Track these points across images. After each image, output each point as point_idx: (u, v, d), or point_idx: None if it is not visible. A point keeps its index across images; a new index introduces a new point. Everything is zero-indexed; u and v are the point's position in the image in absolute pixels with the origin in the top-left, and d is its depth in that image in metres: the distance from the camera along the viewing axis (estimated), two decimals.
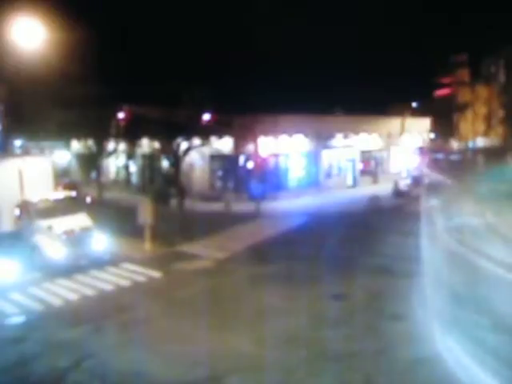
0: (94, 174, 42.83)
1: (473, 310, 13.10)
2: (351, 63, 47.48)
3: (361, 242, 23.17)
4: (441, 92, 69.14)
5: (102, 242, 20.76)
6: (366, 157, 46.36)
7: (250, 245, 23.64)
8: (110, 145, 41.28)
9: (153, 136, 38.36)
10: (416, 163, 51.66)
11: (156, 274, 19.32)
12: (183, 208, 33.91)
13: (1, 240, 20.15)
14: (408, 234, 23.87)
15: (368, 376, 11.14)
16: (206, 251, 22.37)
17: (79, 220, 20.92)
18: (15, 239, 20.17)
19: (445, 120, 62.49)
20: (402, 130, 48.68)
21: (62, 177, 37.32)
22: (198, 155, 38.03)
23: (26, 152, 33.81)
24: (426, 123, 55.18)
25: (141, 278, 18.82)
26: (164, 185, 38.28)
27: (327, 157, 41.79)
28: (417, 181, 41.74)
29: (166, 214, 28.47)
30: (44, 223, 20.18)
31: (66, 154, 47.32)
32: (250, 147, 34.55)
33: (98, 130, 36.25)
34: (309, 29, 46.99)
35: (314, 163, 40.32)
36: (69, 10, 29.31)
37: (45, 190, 21.94)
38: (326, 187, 40.09)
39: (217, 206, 33.23)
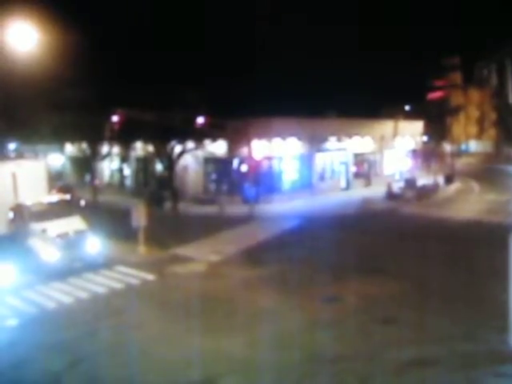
0: (88, 177, 42.86)
1: None
2: (344, 66, 47.46)
3: (352, 244, 23.28)
4: (433, 95, 69.35)
5: (95, 245, 20.78)
6: (359, 160, 46.50)
7: (243, 248, 23.69)
8: (104, 148, 41.30)
9: (147, 139, 38.41)
10: (409, 166, 51.89)
11: (150, 276, 19.37)
12: (177, 211, 34.03)
13: None
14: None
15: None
16: (199, 254, 22.42)
17: (73, 223, 20.93)
18: (9, 242, 20.18)
19: (437, 123, 62.65)
20: (395, 133, 48.87)
21: (56, 180, 37.32)
22: (192, 158, 38.10)
23: (19, 155, 33.74)
24: (419, 126, 55.41)
25: (134, 281, 18.86)
26: (158, 188, 38.32)
27: (320, 160, 41.91)
28: (410, 183, 41.92)
29: (160, 216, 28.56)
30: (38, 226, 20.21)
31: (60, 157, 47.30)
32: (244, 150, 34.63)
33: (92, 133, 36.29)
34: (300, 31, 46.94)
35: (307, 166, 40.42)
36: (63, 13, 29.37)
37: (39, 194, 21.96)
38: (319, 190, 40.20)
39: (211, 209, 33.27)
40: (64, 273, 19.16)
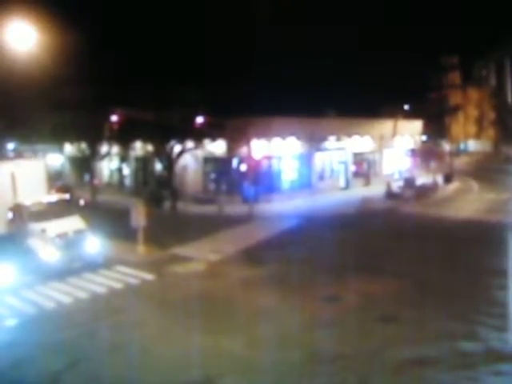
0: (87, 177, 42.83)
1: None
2: (343, 66, 47.57)
3: (352, 243, 23.26)
4: (432, 94, 69.47)
5: (95, 244, 20.77)
6: (359, 159, 46.50)
7: (243, 247, 23.68)
8: (103, 148, 41.28)
9: (146, 139, 38.41)
10: (408, 165, 51.89)
11: (149, 276, 19.36)
12: (176, 210, 34.03)
13: None
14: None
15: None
16: (199, 254, 22.41)
17: (72, 223, 20.91)
18: (8, 242, 20.13)
19: (436, 122, 62.76)
20: (394, 133, 48.87)
21: (55, 180, 37.26)
22: (191, 158, 38.11)
23: (19, 155, 33.71)
24: (418, 125, 55.42)
25: (134, 281, 18.85)
26: (157, 187, 38.32)
27: (320, 159, 41.91)
28: (409, 183, 41.94)
29: (160, 216, 28.55)
30: (37, 226, 20.17)
31: (59, 156, 47.25)
32: (243, 150, 34.63)
33: (91, 132, 36.26)
34: (300, 30, 46.96)
35: (306, 165, 40.42)
36: (62, 13, 29.29)
37: (38, 193, 21.92)
38: (318, 189, 40.18)
39: (210, 209, 33.26)
40: (63, 273, 19.14)
